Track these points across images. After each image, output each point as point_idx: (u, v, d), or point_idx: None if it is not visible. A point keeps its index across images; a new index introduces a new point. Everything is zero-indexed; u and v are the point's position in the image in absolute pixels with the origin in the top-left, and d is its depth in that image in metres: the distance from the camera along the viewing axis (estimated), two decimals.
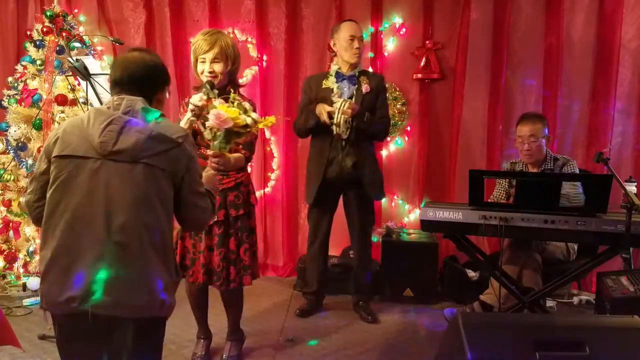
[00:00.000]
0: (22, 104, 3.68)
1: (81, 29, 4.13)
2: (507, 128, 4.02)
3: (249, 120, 2.17)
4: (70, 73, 3.56)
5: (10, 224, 3.78)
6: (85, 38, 3.93)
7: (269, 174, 4.30)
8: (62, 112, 3.67)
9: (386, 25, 4.10)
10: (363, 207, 3.37)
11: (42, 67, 3.71)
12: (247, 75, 4.23)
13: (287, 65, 4.16)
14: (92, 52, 3.88)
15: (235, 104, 2.19)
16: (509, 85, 4.02)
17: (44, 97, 3.64)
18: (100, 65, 3.29)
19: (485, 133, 4.07)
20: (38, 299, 3.61)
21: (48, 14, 3.73)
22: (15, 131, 3.68)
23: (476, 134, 4.08)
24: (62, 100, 3.63)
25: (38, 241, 3.68)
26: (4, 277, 3.80)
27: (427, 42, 4.04)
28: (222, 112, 2.12)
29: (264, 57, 4.21)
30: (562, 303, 3.72)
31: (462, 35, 4.00)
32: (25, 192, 1.85)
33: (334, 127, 3.13)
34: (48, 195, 1.68)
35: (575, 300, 3.75)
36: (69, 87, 3.68)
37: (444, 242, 3.71)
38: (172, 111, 4.15)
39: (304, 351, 2.98)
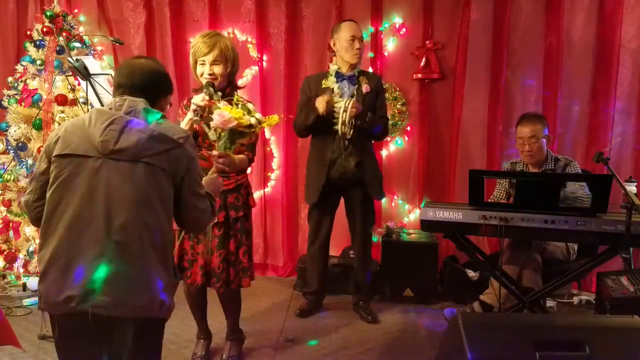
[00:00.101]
0: (22, 104, 3.68)
1: (81, 29, 4.13)
2: (507, 128, 4.02)
3: (252, 121, 2.19)
4: (70, 73, 3.56)
5: (10, 224, 3.78)
6: (85, 38, 3.93)
7: (269, 174, 4.30)
8: (62, 112, 3.67)
9: (386, 25, 4.10)
10: (365, 207, 3.38)
11: (42, 67, 3.71)
12: (247, 75, 4.24)
13: (287, 65, 4.16)
14: (92, 52, 3.88)
15: (240, 105, 2.22)
16: (509, 85, 4.02)
17: (44, 97, 3.64)
18: (100, 65, 3.29)
19: (485, 133, 4.07)
20: (38, 298, 3.62)
21: (48, 14, 3.73)
22: (15, 131, 3.68)
23: (476, 134, 4.08)
24: (62, 100, 3.63)
25: (38, 241, 3.67)
26: (4, 277, 3.80)
27: (427, 42, 4.04)
28: (226, 112, 2.14)
29: (264, 57, 4.21)
30: (562, 303, 3.72)
31: (462, 35, 4.00)
32: (25, 192, 1.84)
33: (338, 127, 3.12)
34: (48, 195, 1.68)
35: (575, 300, 3.75)
36: (69, 87, 3.68)
37: (444, 242, 3.71)
38: (172, 112, 4.15)
39: (304, 351, 2.98)
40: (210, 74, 2.49)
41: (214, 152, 2.26)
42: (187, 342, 2.98)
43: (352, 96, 3.21)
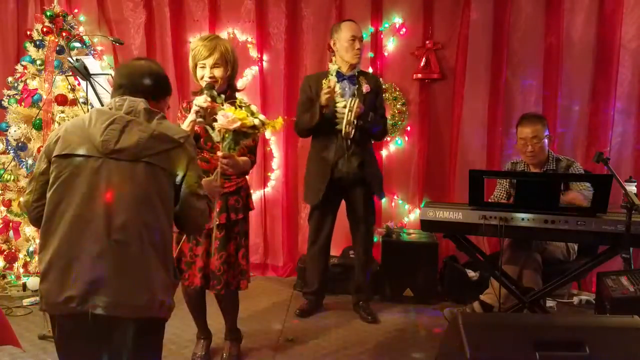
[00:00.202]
0: (22, 104, 3.67)
1: (81, 29, 4.13)
2: (507, 128, 4.02)
3: (256, 122, 2.21)
4: (70, 73, 3.55)
5: (10, 224, 3.78)
6: (85, 38, 3.93)
7: (269, 174, 4.30)
8: (62, 112, 3.66)
9: (386, 25, 4.10)
10: (367, 207, 3.38)
11: (42, 67, 3.71)
12: (247, 75, 4.24)
13: (287, 65, 4.16)
14: (92, 52, 3.88)
15: (243, 107, 2.25)
16: (509, 85, 4.02)
17: (44, 97, 3.64)
18: (100, 65, 3.29)
19: (485, 133, 4.07)
20: (38, 298, 3.61)
21: (48, 14, 3.73)
22: (15, 131, 3.68)
23: (476, 134, 4.08)
24: (62, 100, 3.63)
25: (38, 241, 3.66)
26: (4, 277, 3.80)
27: (427, 42, 4.04)
28: (230, 113, 2.17)
29: (264, 57, 4.21)
30: (562, 303, 3.72)
31: (462, 35, 4.00)
32: (25, 192, 1.84)
33: (343, 127, 3.11)
34: (48, 195, 1.68)
35: (575, 300, 3.75)
36: (69, 87, 3.68)
37: (444, 242, 3.71)
38: (171, 114, 4.15)
39: (304, 351, 2.98)
40: (210, 77, 2.49)
41: (219, 153, 2.28)
42: (187, 342, 2.98)
43: (353, 96, 3.21)
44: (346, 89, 3.25)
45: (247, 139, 2.29)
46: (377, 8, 4.07)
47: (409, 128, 4.17)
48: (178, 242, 2.52)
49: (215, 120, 2.29)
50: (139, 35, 4.26)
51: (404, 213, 4.23)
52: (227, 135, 2.22)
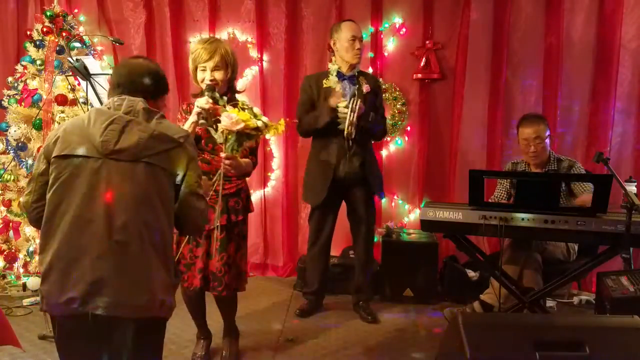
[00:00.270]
0: (22, 104, 3.67)
1: (81, 29, 4.13)
2: (507, 128, 4.02)
3: (259, 124, 2.23)
4: (70, 73, 3.55)
5: (10, 224, 3.78)
6: (85, 38, 3.93)
7: (269, 174, 4.30)
8: (62, 112, 3.66)
9: (386, 25, 4.10)
10: (368, 207, 3.38)
11: (42, 67, 3.71)
12: (247, 75, 4.24)
13: (287, 65, 4.16)
14: (92, 52, 3.88)
15: (246, 109, 2.26)
16: (509, 85, 4.02)
17: (44, 97, 3.64)
18: (100, 65, 3.30)
19: (485, 133, 4.07)
20: (38, 299, 3.61)
21: (48, 14, 3.73)
22: (15, 131, 3.68)
23: (476, 134, 4.08)
24: (62, 100, 3.63)
25: (38, 241, 3.66)
26: (4, 277, 3.79)
27: (427, 42, 4.04)
28: (234, 114, 2.19)
29: (264, 57, 4.21)
30: (562, 303, 3.72)
31: (462, 35, 4.00)
32: (24, 192, 1.84)
33: (345, 127, 3.11)
34: (48, 196, 1.67)
35: (575, 300, 3.75)
36: (69, 87, 3.68)
37: (444, 242, 3.71)
38: (172, 112, 4.15)
39: (304, 351, 2.98)
40: (211, 80, 2.50)
41: (222, 154, 2.29)
42: (187, 342, 2.98)
43: (353, 96, 3.21)
44: (346, 89, 3.25)
45: (250, 141, 2.31)
46: (377, 8, 4.07)
47: (409, 128, 4.17)
48: (178, 244, 2.52)
49: (217, 122, 2.31)
50: (139, 35, 4.25)
51: (404, 213, 4.23)
52: (230, 136, 2.23)
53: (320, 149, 3.32)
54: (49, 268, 1.63)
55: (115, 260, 1.61)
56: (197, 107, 2.37)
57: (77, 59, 3.00)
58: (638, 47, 3.84)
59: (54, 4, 3.82)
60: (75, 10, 4.22)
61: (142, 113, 1.73)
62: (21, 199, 1.85)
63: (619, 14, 3.79)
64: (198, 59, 2.51)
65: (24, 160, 3.70)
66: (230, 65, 2.55)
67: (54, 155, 1.68)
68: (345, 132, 3.13)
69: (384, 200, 4.04)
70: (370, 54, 4.08)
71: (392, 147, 4.20)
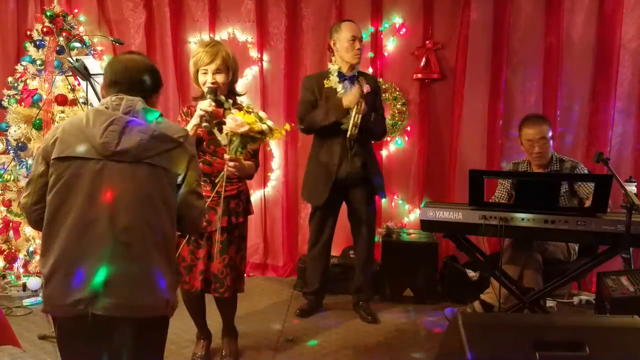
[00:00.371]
0: (22, 104, 3.68)
1: (81, 29, 4.13)
2: (507, 128, 4.02)
3: (264, 127, 2.25)
4: (70, 73, 3.56)
5: (10, 224, 3.78)
6: (85, 38, 3.93)
7: (269, 174, 4.30)
8: (62, 112, 3.67)
9: (386, 25, 4.10)
10: (369, 207, 3.38)
11: (42, 67, 3.71)
12: (247, 75, 4.23)
13: (287, 65, 4.16)
14: (92, 52, 3.88)
15: (252, 112, 2.29)
16: (509, 85, 4.02)
17: (44, 97, 3.64)
18: (100, 65, 3.29)
19: (485, 133, 4.07)
20: (38, 299, 3.62)
21: (48, 14, 3.73)
22: (15, 131, 3.68)
23: (476, 134, 4.08)
24: (62, 100, 3.63)
25: (38, 241, 3.68)
26: (4, 277, 3.80)
27: (427, 42, 4.04)
28: (239, 117, 2.22)
29: (264, 57, 4.21)
30: (562, 303, 3.72)
31: (462, 35, 4.00)
32: (22, 194, 1.82)
33: (349, 127, 3.11)
34: (49, 198, 1.66)
35: (575, 300, 3.75)
36: (69, 87, 3.68)
37: (444, 242, 3.71)
38: (172, 112, 4.16)
39: (304, 351, 2.98)
40: (213, 83, 2.50)
41: (226, 156, 2.31)
42: (187, 342, 2.98)
43: None
44: (347, 90, 3.25)
45: (254, 144, 2.33)
46: (377, 8, 4.07)
47: (409, 128, 4.17)
48: (177, 245, 2.52)
49: (218, 124, 2.34)
50: (139, 35, 4.25)
51: (404, 213, 4.23)
52: (234, 138, 2.26)
53: (321, 149, 3.31)
54: (52, 270, 1.63)
55: (120, 262, 1.61)
56: (200, 109, 2.37)
57: (77, 59, 3.00)
58: (638, 47, 3.84)
59: (54, 4, 3.82)
60: (75, 10, 4.22)
61: (142, 113, 1.72)
62: (20, 201, 1.84)
63: (619, 14, 3.79)
64: (199, 62, 2.51)
65: (24, 160, 3.70)
66: (231, 68, 2.56)
67: (53, 156, 1.66)
68: (350, 133, 3.12)
69: (384, 200, 4.04)
70: (370, 54, 4.08)
71: (392, 147, 4.20)
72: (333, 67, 3.27)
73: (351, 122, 3.09)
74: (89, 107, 3.14)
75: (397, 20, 4.08)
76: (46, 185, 1.68)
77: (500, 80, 3.98)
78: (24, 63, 3.77)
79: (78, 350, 1.70)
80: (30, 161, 3.66)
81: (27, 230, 3.73)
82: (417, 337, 3.20)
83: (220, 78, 2.51)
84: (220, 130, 2.31)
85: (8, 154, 3.74)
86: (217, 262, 2.55)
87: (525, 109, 3.93)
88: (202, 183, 2.34)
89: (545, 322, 1.84)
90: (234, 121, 2.22)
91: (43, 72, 3.71)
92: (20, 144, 3.69)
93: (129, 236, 1.62)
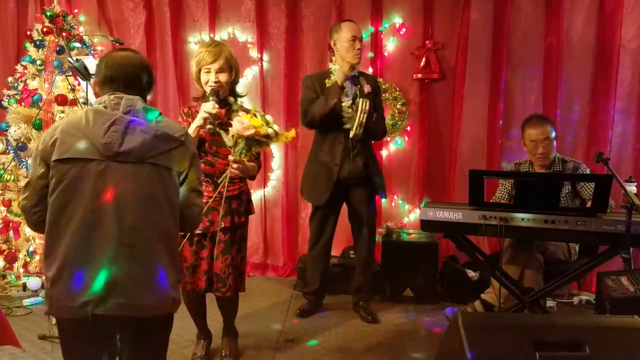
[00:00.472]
0: (22, 104, 3.67)
1: (81, 29, 4.13)
2: (507, 128, 4.02)
3: (270, 132, 2.28)
4: (70, 73, 3.56)
5: (10, 224, 3.78)
6: (85, 38, 3.93)
7: (269, 174, 4.30)
8: (62, 112, 3.66)
9: (386, 25, 4.10)
10: (370, 207, 3.38)
11: (42, 67, 3.71)
12: (247, 75, 4.23)
13: (287, 65, 4.16)
14: (92, 52, 3.88)
15: (259, 116, 2.32)
16: (509, 85, 4.02)
17: (44, 97, 3.64)
18: None
19: (485, 133, 4.07)
20: (38, 299, 3.62)
21: (48, 14, 3.73)
22: (15, 131, 3.68)
23: (476, 134, 4.08)
24: (62, 100, 3.63)
25: (38, 241, 3.68)
26: (4, 277, 3.80)
27: (427, 42, 4.04)
28: (246, 119, 2.25)
29: (264, 57, 4.21)
30: (562, 303, 3.72)
31: (462, 35, 4.00)
32: (21, 196, 1.81)
33: (353, 127, 3.11)
34: (51, 200, 1.64)
35: (575, 300, 3.75)
36: (69, 87, 3.68)
37: (444, 242, 3.71)
38: (173, 112, 4.16)
39: (304, 351, 2.98)
40: (215, 82, 2.50)
41: (230, 158, 2.33)
42: (187, 342, 2.98)
43: (355, 96, 3.21)
44: (349, 90, 3.24)
45: (259, 147, 2.36)
46: (377, 8, 4.07)
47: (409, 128, 4.17)
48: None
49: (221, 125, 2.36)
50: (139, 35, 4.26)
51: (404, 213, 4.23)
52: (239, 140, 2.29)
53: (322, 148, 3.31)
54: (58, 272, 1.61)
55: (127, 262, 1.62)
56: (204, 112, 2.37)
57: (77, 59, 3.01)
58: (638, 47, 3.84)
59: (54, 4, 3.82)
60: (75, 10, 4.22)
61: (142, 112, 1.72)
62: (19, 203, 1.82)
63: (619, 14, 3.79)
64: (202, 61, 2.52)
65: (24, 160, 3.70)
66: (234, 68, 2.57)
67: (53, 158, 1.64)
68: (354, 133, 3.12)
69: (384, 200, 4.04)
70: (370, 54, 4.08)
71: (392, 147, 4.20)
72: (334, 67, 3.27)
73: (356, 121, 3.08)
74: (89, 107, 3.14)
75: (397, 20, 4.08)
76: (46, 187, 1.66)
77: (500, 80, 3.98)
78: (24, 63, 3.77)
79: (83, 351, 1.69)
80: (30, 161, 3.66)
81: (27, 230, 3.73)
82: (417, 337, 3.20)
83: (223, 77, 2.51)
84: (226, 132, 2.33)
85: (8, 154, 3.74)
86: (220, 262, 2.55)
87: (525, 109, 3.93)
88: (203, 183, 2.37)
89: (545, 322, 1.84)
90: (241, 124, 2.24)
91: (43, 72, 3.71)
92: (20, 144, 3.69)
93: (135, 237, 1.62)
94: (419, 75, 4.08)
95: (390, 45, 4.12)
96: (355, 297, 3.54)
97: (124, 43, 3.80)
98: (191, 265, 2.57)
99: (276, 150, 4.27)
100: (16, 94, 3.74)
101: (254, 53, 4.20)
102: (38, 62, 3.72)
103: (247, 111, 2.42)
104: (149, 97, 1.86)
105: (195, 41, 4.22)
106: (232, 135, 2.29)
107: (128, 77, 1.76)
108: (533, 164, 3.25)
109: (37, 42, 3.73)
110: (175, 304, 1.75)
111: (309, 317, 3.46)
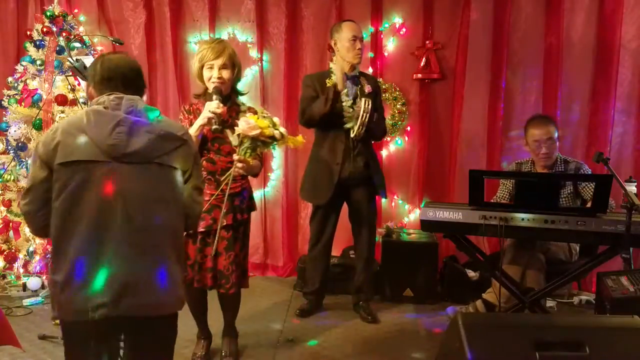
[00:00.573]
0: (22, 104, 3.67)
1: (81, 29, 4.13)
2: (507, 128, 4.02)
3: (276, 133, 2.31)
4: (70, 73, 3.56)
5: (10, 224, 3.78)
6: (85, 38, 3.93)
7: (269, 174, 4.30)
8: (62, 112, 3.66)
9: (386, 25, 4.10)
10: (371, 207, 3.39)
11: (42, 67, 3.71)
12: (247, 75, 4.23)
13: (287, 65, 4.16)
14: (92, 52, 3.88)
15: (266, 117, 2.35)
16: (509, 85, 4.01)
17: (44, 97, 3.64)
18: None
19: (485, 133, 4.07)
20: (38, 299, 3.62)
21: (48, 14, 3.73)
22: (15, 131, 3.68)
23: (476, 134, 4.08)
24: (62, 100, 3.63)
25: (38, 241, 3.68)
26: (4, 277, 3.80)
27: (427, 42, 4.04)
28: (252, 120, 2.27)
29: (264, 57, 4.21)
30: (562, 303, 3.72)
31: (462, 35, 4.00)
32: (22, 201, 1.78)
33: (356, 127, 3.11)
34: (56, 204, 1.62)
35: (575, 300, 3.75)
36: (69, 87, 3.68)
37: (444, 242, 3.71)
38: (173, 112, 4.15)
39: (304, 351, 2.98)
40: (218, 78, 2.51)
41: (235, 157, 2.35)
42: (187, 342, 2.97)
43: (356, 97, 3.21)
44: (349, 90, 3.24)
45: (265, 148, 2.39)
46: (377, 8, 4.07)
47: (409, 128, 4.17)
48: None
49: (224, 123, 2.37)
50: (139, 35, 4.25)
51: (404, 213, 4.23)
52: (245, 140, 2.31)
53: (323, 148, 3.30)
54: (67, 277, 1.60)
55: (137, 263, 1.62)
56: (209, 111, 2.37)
57: (77, 59, 3.00)
58: (638, 47, 3.84)
59: (54, 4, 3.82)
60: (75, 10, 4.22)
61: (144, 112, 1.72)
62: (20, 208, 1.80)
63: (619, 14, 3.78)
64: (205, 57, 2.53)
65: (24, 160, 3.70)
66: (236, 65, 2.58)
67: (57, 162, 1.61)
68: (355, 132, 3.12)
69: (384, 200, 4.04)
70: (370, 54, 4.08)
71: (392, 147, 4.20)
72: (333, 67, 3.27)
73: (359, 121, 3.08)
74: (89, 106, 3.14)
75: (397, 20, 4.08)
76: (49, 191, 1.64)
77: (500, 80, 3.98)
78: (24, 63, 3.77)
79: (87, 352, 1.68)
80: (30, 161, 3.66)
81: (27, 230, 3.73)
82: (417, 337, 3.20)
83: (225, 74, 2.52)
84: (229, 130, 2.35)
85: (8, 154, 3.74)
86: (223, 259, 2.56)
87: (525, 109, 3.94)
88: (205, 181, 2.38)
89: (545, 322, 1.84)
90: (247, 124, 2.26)
91: (43, 72, 3.71)
92: (20, 144, 3.69)
93: (144, 237, 1.63)
94: (419, 75, 4.08)
95: (390, 45, 4.12)
96: (355, 297, 3.54)
97: (124, 43, 3.81)
98: (197, 263, 2.58)
99: (276, 150, 4.27)
100: (16, 94, 3.74)
101: (254, 53, 4.20)
102: (38, 62, 3.72)
103: (255, 112, 2.44)
104: (144, 98, 1.87)
105: (195, 41, 4.22)
106: (238, 135, 2.32)
107: (126, 77, 1.76)
108: (535, 164, 3.25)
109: (37, 42, 3.74)
110: (182, 302, 1.77)
111: (309, 317, 3.46)
